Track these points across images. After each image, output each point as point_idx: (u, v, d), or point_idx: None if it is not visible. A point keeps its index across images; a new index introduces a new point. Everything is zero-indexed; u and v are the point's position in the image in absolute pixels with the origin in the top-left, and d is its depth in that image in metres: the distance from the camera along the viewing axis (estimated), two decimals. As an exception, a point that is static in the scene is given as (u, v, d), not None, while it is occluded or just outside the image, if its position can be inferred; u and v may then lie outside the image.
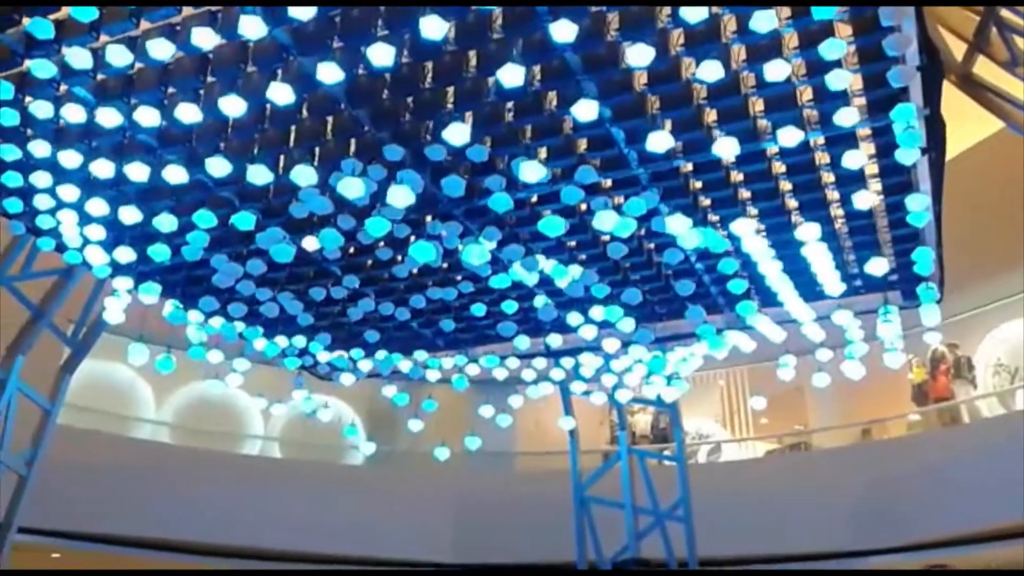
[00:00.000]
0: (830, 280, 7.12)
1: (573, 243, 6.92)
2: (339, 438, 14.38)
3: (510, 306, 7.64)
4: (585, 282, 7.08)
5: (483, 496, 14.23)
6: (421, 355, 9.05)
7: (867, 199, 6.09)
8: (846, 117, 5.24)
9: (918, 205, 5.98)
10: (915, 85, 5.22)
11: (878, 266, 6.81)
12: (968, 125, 10.34)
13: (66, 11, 4.93)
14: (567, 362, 9.06)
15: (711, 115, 5.52)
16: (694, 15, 4.58)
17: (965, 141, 12.61)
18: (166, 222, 6.21)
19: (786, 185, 6.30)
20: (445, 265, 7.16)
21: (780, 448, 15.71)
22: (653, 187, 6.04)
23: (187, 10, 4.99)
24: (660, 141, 5.25)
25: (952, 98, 6.38)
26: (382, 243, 6.80)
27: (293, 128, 5.77)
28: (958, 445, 12.22)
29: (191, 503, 12.76)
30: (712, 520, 11.56)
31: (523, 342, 8.34)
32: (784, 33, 4.93)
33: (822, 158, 5.93)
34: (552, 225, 5.97)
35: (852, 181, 6.04)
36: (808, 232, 6.40)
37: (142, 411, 15.07)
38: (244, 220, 6.10)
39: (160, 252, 6.60)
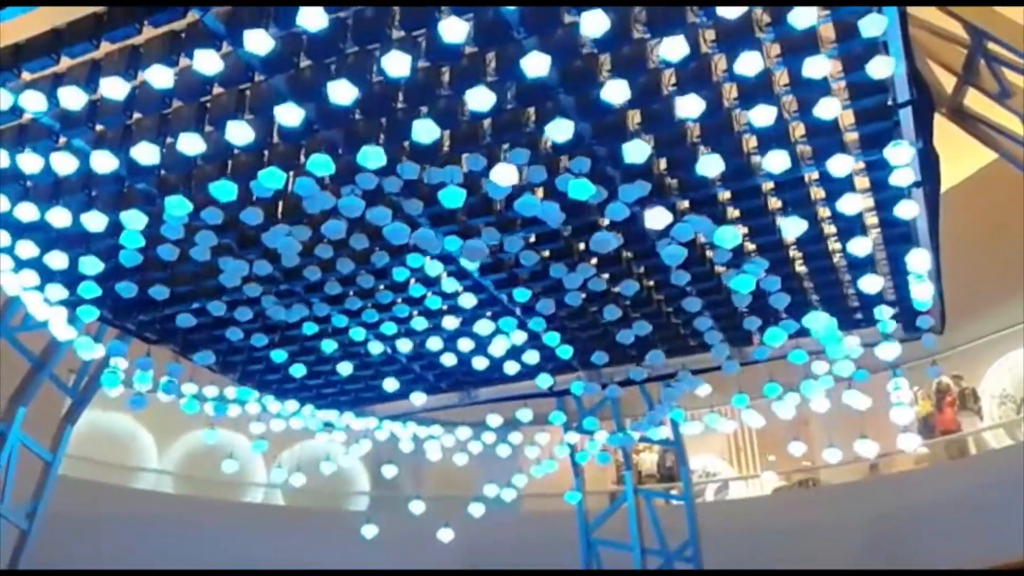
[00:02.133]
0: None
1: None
2: (343, 484, 14.21)
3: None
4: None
5: (490, 539, 14.02)
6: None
7: (875, 283, 6.32)
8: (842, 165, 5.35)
9: (920, 262, 6.11)
10: (906, 119, 5.26)
11: (890, 351, 6.97)
12: (963, 157, 10.40)
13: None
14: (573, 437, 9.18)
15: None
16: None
17: (961, 172, 12.67)
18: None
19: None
20: (445, 306, 7.19)
21: (788, 485, 15.55)
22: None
23: (147, 32, 4.89)
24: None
25: (945, 131, 6.44)
26: (382, 286, 6.85)
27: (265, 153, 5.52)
28: (966, 477, 12.09)
29: (194, 553, 12.58)
30: (721, 559, 11.41)
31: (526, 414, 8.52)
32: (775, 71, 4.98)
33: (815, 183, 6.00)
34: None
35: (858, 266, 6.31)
36: (816, 320, 6.51)
37: (144, 461, 14.97)
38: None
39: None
